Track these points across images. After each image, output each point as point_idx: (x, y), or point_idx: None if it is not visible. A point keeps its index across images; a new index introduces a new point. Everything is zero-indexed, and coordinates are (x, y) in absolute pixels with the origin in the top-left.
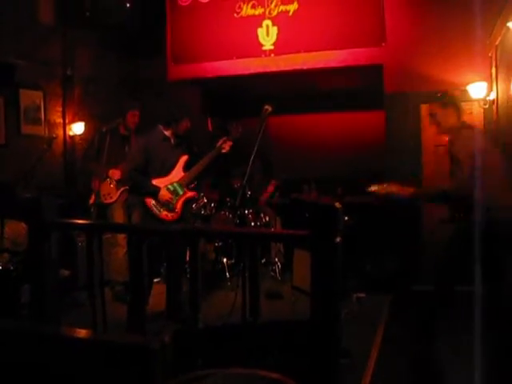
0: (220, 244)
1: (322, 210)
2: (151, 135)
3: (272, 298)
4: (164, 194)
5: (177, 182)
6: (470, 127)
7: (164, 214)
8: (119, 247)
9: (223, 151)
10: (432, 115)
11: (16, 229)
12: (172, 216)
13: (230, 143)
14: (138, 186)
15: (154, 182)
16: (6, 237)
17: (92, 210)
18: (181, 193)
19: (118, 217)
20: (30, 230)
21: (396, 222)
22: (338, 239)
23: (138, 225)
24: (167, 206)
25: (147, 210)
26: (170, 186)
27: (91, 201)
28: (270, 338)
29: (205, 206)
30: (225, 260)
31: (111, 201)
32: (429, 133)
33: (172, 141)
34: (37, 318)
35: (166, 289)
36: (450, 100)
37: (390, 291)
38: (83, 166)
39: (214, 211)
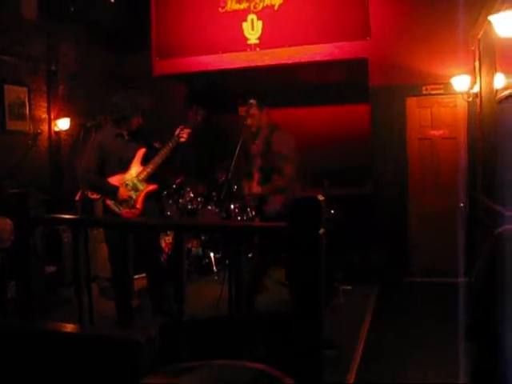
0: (206, 238)
1: (303, 202)
2: (103, 133)
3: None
4: (122, 192)
5: (135, 176)
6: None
7: (124, 211)
8: (104, 243)
9: (182, 140)
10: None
11: (2, 225)
12: (133, 212)
13: (187, 131)
14: (96, 188)
15: (113, 179)
16: None
17: (77, 205)
18: (141, 188)
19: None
20: (15, 226)
21: (383, 214)
22: (321, 231)
23: (122, 219)
24: (127, 203)
25: (107, 208)
26: (128, 182)
27: (77, 197)
28: (256, 329)
29: (191, 200)
30: (211, 254)
31: (97, 196)
32: (413, 126)
33: (126, 136)
34: (23, 313)
35: (147, 283)
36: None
37: (376, 283)
38: (69, 161)
39: (200, 206)
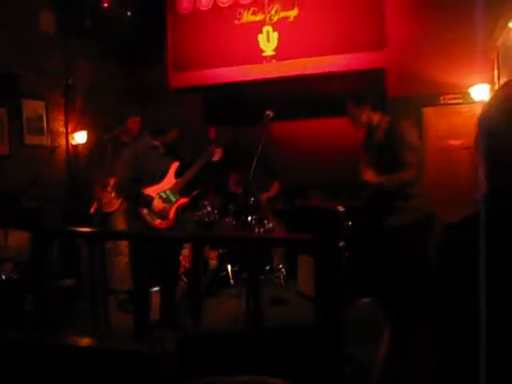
0: (224, 251)
1: (325, 214)
2: (139, 144)
3: (277, 304)
4: (157, 203)
5: (169, 189)
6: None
7: (157, 222)
8: (121, 256)
9: (214, 158)
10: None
11: (20, 238)
12: (166, 224)
13: (219, 150)
14: (131, 198)
15: (146, 191)
16: (9, 246)
17: (94, 218)
18: (173, 200)
19: (120, 225)
20: (32, 239)
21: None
22: (341, 243)
23: (138, 231)
24: (161, 214)
25: (140, 218)
26: (162, 194)
27: (92, 209)
28: (275, 344)
29: (208, 213)
30: (229, 267)
31: (112, 209)
32: (431, 137)
33: (161, 149)
34: (40, 327)
35: (161, 296)
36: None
37: (397, 295)
38: (86, 174)
39: (217, 218)
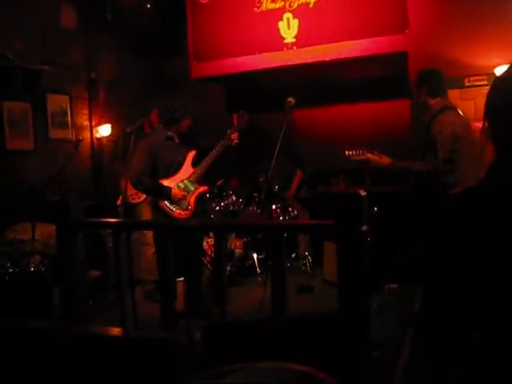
0: (249, 239)
1: (347, 199)
2: (154, 136)
3: (303, 292)
4: (176, 192)
5: (187, 178)
6: (453, 108)
7: (177, 212)
8: (148, 246)
9: (234, 143)
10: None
11: (47, 231)
12: (186, 213)
13: (235, 134)
14: (149, 190)
15: (164, 182)
16: (37, 239)
17: (120, 210)
18: (192, 189)
19: (146, 216)
20: (57, 232)
21: (426, 210)
22: (365, 227)
23: (164, 221)
24: (180, 204)
25: (160, 210)
26: (180, 184)
27: (119, 202)
28: (301, 331)
29: (233, 202)
30: (254, 255)
31: (139, 201)
32: None
33: (176, 139)
34: (68, 318)
35: (184, 286)
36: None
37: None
38: (111, 167)
39: (242, 207)
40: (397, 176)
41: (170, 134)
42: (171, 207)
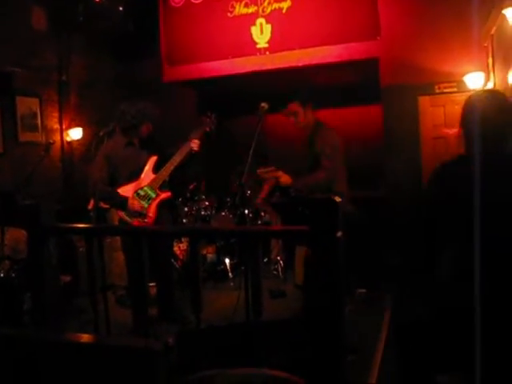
0: (221, 244)
1: (320, 204)
2: (112, 142)
3: (275, 297)
4: (133, 203)
5: (148, 185)
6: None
7: (136, 221)
8: (120, 251)
9: (192, 150)
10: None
11: (17, 236)
12: (146, 222)
13: (196, 141)
14: (105, 199)
15: (123, 189)
16: (6, 244)
17: (91, 214)
18: (153, 196)
19: (116, 221)
20: (28, 237)
21: (397, 215)
22: (339, 233)
23: (136, 227)
24: (138, 214)
25: (120, 219)
26: (140, 192)
27: (90, 206)
28: (275, 336)
29: (205, 207)
30: (227, 260)
31: (108, 205)
32: (427, 125)
33: (136, 144)
34: (39, 324)
35: (157, 290)
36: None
37: (392, 286)
38: (82, 171)
39: (213, 212)
40: (304, 191)
41: (129, 139)
42: (129, 217)
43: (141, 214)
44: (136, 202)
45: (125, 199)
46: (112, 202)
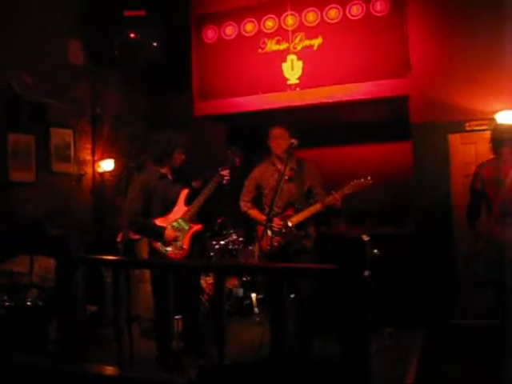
0: (248, 279)
1: (349, 243)
2: (147, 174)
3: None
4: (169, 233)
5: (181, 217)
6: None
7: (172, 252)
8: (147, 283)
9: (225, 181)
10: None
11: (46, 265)
12: (181, 254)
13: (226, 170)
14: (142, 230)
15: (158, 221)
16: (35, 273)
17: (120, 246)
18: (186, 228)
19: (145, 252)
20: (57, 266)
21: (427, 254)
22: (366, 273)
23: (163, 260)
24: (175, 244)
25: (155, 250)
26: (174, 224)
27: (119, 238)
28: (300, 375)
29: (233, 241)
30: (253, 295)
31: (138, 237)
32: (457, 163)
33: (169, 177)
34: (64, 354)
35: (182, 324)
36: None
37: (422, 325)
38: (112, 202)
39: (241, 246)
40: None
41: (162, 171)
42: (165, 248)
43: (176, 245)
44: (171, 232)
45: (161, 229)
46: (149, 232)
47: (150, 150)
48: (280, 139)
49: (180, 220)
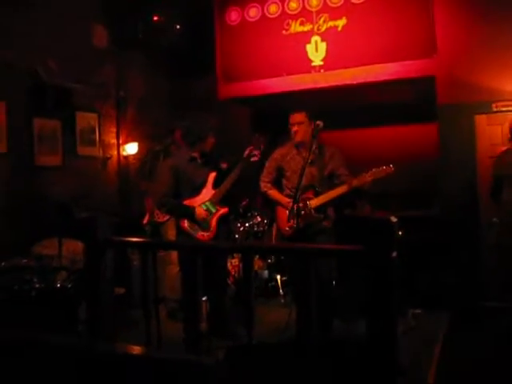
0: (273, 260)
1: (377, 225)
2: (178, 157)
3: None
4: (200, 212)
5: (208, 200)
6: None
7: (200, 234)
8: (173, 265)
9: (254, 159)
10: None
11: (74, 248)
12: (208, 235)
13: (257, 152)
14: (173, 211)
15: (187, 202)
16: (64, 255)
17: (146, 228)
18: (214, 211)
19: (171, 234)
20: (85, 249)
21: (453, 235)
22: (394, 254)
23: (189, 242)
24: (203, 225)
25: (182, 231)
26: (202, 206)
27: (145, 220)
28: (325, 355)
29: (258, 223)
30: (278, 277)
31: (164, 219)
32: (484, 144)
33: (199, 160)
34: (93, 334)
35: (208, 305)
36: None
37: (448, 307)
38: (138, 185)
39: (266, 228)
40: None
41: (193, 154)
42: (193, 229)
43: (204, 226)
44: (202, 211)
45: (192, 208)
46: (180, 212)
47: (183, 134)
48: (298, 125)
49: (208, 203)
